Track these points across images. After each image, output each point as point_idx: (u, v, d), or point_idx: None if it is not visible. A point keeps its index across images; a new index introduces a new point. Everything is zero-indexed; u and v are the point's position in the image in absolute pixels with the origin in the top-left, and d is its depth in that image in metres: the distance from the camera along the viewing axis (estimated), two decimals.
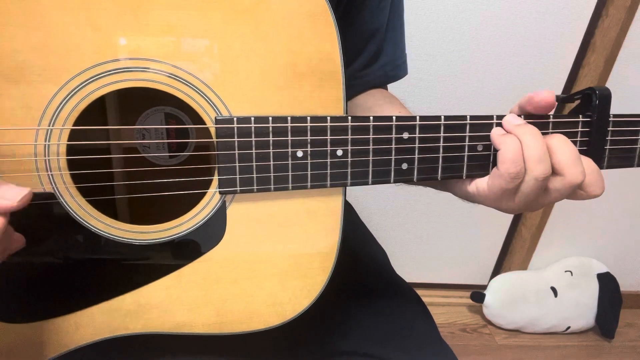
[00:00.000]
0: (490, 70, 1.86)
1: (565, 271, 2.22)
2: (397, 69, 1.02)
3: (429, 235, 2.23)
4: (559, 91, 1.93)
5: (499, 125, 0.66)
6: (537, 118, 0.67)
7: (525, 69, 1.86)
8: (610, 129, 0.69)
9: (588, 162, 0.66)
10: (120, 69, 0.59)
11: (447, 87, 1.87)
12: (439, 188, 0.78)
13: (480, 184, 0.69)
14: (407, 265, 2.28)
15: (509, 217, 2.24)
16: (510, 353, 2.13)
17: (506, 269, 2.35)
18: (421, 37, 1.76)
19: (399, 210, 2.14)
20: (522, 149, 0.63)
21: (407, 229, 2.20)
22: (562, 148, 0.63)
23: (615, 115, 0.69)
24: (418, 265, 2.30)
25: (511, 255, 2.31)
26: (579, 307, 2.18)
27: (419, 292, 1.03)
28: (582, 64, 1.87)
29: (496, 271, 2.38)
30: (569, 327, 2.21)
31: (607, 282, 2.22)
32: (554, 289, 2.17)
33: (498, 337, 2.20)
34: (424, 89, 1.86)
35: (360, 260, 1.04)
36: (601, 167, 0.71)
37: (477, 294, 2.21)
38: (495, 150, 0.66)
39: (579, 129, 0.69)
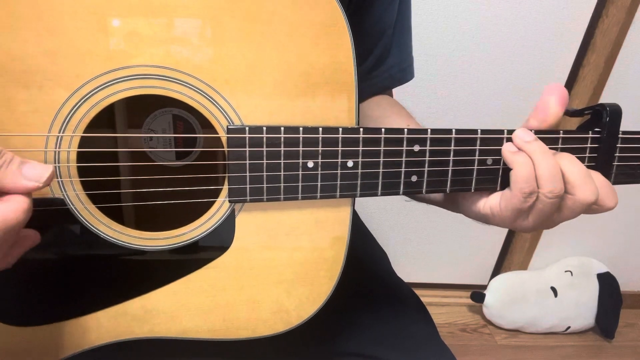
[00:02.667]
0: (490, 70, 1.86)
1: (565, 271, 2.22)
2: (403, 72, 1.02)
3: (429, 235, 2.23)
4: None
5: (509, 139, 0.66)
6: (546, 133, 0.67)
7: (525, 69, 1.86)
8: (619, 145, 0.70)
9: (597, 177, 0.66)
10: (132, 76, 0.59)
11: (447, 87, 1.87)
12: (452, 210, 0.78)
13: (493, 206, 0.68)
14: (407, 265, 2.29)
15: None
16: (510, 353, 2.13)
17: (506, 269, 2.35)
18: (421, 37, 1.76)
19: (399, 210, 2.14)
20: (533, 167, 0.63)
21: (407, 228, 2.20)
22: (571, 168, 0.63)
23: (624, 132, 0.69)
24: (418, 265, 2.31)
25: (511, 255, 2.31)
26: (579, 307, 2.19)
27: (419, 292, 1.03)
28: (582, 64, 1.87)
29: (496, 271, 2.38)
30: (569, 327, 2.21)
31: (607, 282, 2.22)
32: (554, 289, 2.17)
33: (498, 337, 2.21)
34: (424, 89, 1.85)
35: (361, 262, 1.04)
36: None
37: (477, 294, 2.22)
38: (505, 165, 0.66)
39: (588, 145, 0.69)
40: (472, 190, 0.69)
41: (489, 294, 2.19)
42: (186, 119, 0.79)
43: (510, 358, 2.11)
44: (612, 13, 1.77)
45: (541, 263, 2.31)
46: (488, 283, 2.28)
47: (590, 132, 0.69)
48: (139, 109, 0.77)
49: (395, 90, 1.07)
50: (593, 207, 0.66)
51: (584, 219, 2.11)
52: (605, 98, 1.93)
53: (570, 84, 1.91)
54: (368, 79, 0.97)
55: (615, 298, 2.23)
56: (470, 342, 2.17)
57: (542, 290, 2.19)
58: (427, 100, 1.87)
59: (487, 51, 1.82)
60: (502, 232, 2.30)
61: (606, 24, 1.79)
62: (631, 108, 1.90)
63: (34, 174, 0.50)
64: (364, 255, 1.09)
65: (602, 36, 1.81)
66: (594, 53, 1.84)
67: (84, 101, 0.59)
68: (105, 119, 0.74)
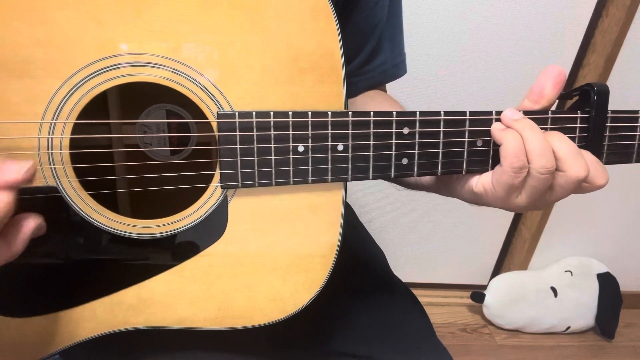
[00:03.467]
0: (490, 71, 1.86)
1: (565, 271, 2.22)
2: (395, 68, 1.02)
3: (429, 235, 2.23)
4: None
5: (498, 120, 0.67)
6: (535, 113, 0.67)
7: (525, 69, 1.86)
8: (608, 124, 0.70)
9: (587, 154, 0.66)
10: (123, 64, 0.59)
11: (446, 87, 1.87)
12: (445, 194, 0.78)
13: (486, 183, 0.68)
14: (407, 265, 2.28)
15: (509, 217, 2.25)
16: (510, 353, 2.13)
17: (506, 269, 2.35)
18: (421, 37, 1.76)
19: (399, 210, 2.14)
20: (523, 142, 0.63)
21: (407, 229, 2.20)
22: (561, 145, 0.63)
23: (613, 111, 0.69)
24: (418, 265, 2.30)
25: (511, 255, 2.31)
26: (579, 307, 2.18)
27: (419, 292, 1.03)
28: (582, 64, 1.88)
29: (496, 271, 2.38)
30: (569, 327, 2.21)
31: (607, 282, 2.22)
32: (554, 289, 2.17)
33: (498, 337, 2.20)
34: (423, 89, 1.86)
35: (357, 261, 1.04)
36: None
37: (477, 294, 2.21)
38: (495, 146, 0.67)
39: (577, 125, 0.69)
40: (464, 173, 0.69)
41: (489, 294, 2.19)
42: (180, 114, 0.79)
43: (510, 358, 2.10)
44: (612, 13, 1.77)
45: (541, 263, 2.31)
46: (488, 283, 2.27)
47: (579, 111, 0.69)
48: (132, 102, 0.77)
49: (394, 90, 1.07)
50: (584, 185, 0.66)
51: (584, 219, 2.10)
52: None
53: (570, 84, 1.91)
54: (360, 74, 0.97)
55: (615, 298, 2.23)
56: (470, 342, 2.17)
57: (542, 290, 2.18)
58: (427, 100, 1.88)
59: (487, 51, 1.82)
60: (502, 232, 2.30)
61: (606, 24, 1.79)
62: (631, 108, 1.90)
63: (15, 166, 0.51)
64: (361, 255, 1.09)
65: (602, 36, 1.81)
66: (594, 53, 1.84)
67: (76, 89, 0.59)
68: (98, 110, 0.74)
